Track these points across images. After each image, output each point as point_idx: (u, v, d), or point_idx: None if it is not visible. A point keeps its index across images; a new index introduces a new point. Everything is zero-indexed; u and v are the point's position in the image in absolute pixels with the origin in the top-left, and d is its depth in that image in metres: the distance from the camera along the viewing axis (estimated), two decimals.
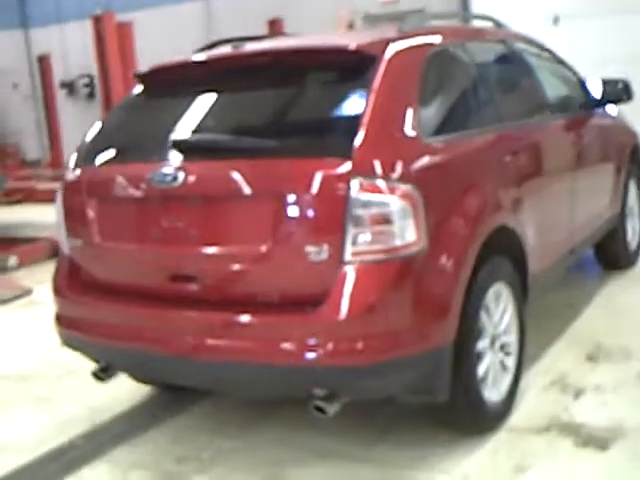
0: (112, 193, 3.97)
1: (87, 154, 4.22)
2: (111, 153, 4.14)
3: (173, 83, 4.27)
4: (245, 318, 3.54)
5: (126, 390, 4.89)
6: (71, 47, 17.50)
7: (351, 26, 14.42)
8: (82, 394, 4.96)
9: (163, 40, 14.92)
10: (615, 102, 6.14)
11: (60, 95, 17.69)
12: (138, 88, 4.41)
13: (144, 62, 6.19)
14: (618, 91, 6.04)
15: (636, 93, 6.33)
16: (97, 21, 12.94)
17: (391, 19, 13.91)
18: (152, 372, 4.18)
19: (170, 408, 4.68)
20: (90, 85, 18.09)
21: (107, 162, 4.11)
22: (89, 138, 4.31)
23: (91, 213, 4.02)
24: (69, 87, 18.48)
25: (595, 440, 3.91)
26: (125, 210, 3.97)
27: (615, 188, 6.28)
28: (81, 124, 11.14)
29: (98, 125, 4.38)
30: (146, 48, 13.39)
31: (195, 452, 4.15)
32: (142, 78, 4.39)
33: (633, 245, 6.81)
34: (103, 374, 4.13)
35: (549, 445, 3.91)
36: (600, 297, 6.09)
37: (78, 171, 4.18)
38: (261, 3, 14.94)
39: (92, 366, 4.18)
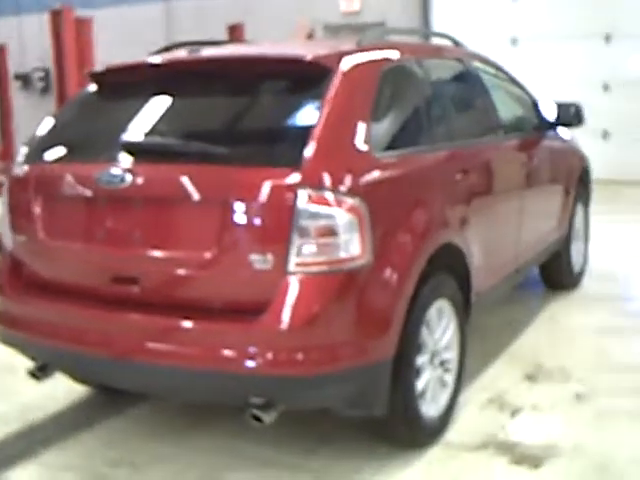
0: (59, 191, 3.93)
1: (37, 150, 4.18)
2: (61, 150, 4.10)
3: (127, 84, 4.24)
4: (186, 323, 3.52)
5: (62, 390, 4.83)
6: (28, 39, 17.34)
7: (311, 35, 14.44)
8: (16, 392, 4.90)
9: (122, 39, 14.84)
10: (567, 125, 6.21)
11: (14, 87, 17.49)
12: (92, 87, 4.38)
13: (101, 60, 6.15)
14: (570, 115, 6.13)
15: (591, 116, 6.45)
16: (56, 15, 12.80)
17: (352, 30, 13.99)
18: (90, 373, 4.15)
19: (105, 410, 4.64)
20: (45, 79, 17.93)
21: (56, 159, 4.07)
22: (39, 133, 4.26)
23: (37, 210, 3.98)
24: (24, 79, 18.30)
25: (529, 459, 3.95)
26: (71, 209, 3.93)
27: (563, 210, 6.36)
28: (34, 117, 11.01)
29: (49, 121, 4.33)
30: (104, 46, 13.31)
31: (129, 456, 4.11)
32: (96, 77, 4.35)
33: (577, 267, 6.90)
34: (40, 373, 4.08)
35: (484, 462, 3.94)
36: (542, 317, 6.16)
37: (26, 166, 4.13)
38: (222, 7, 14.93)
39: (29, 364, 4.13)
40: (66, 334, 3.80)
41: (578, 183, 6.68)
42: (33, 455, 4.17)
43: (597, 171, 7.53)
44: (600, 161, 9.11)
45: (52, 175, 4.00)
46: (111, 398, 4.76)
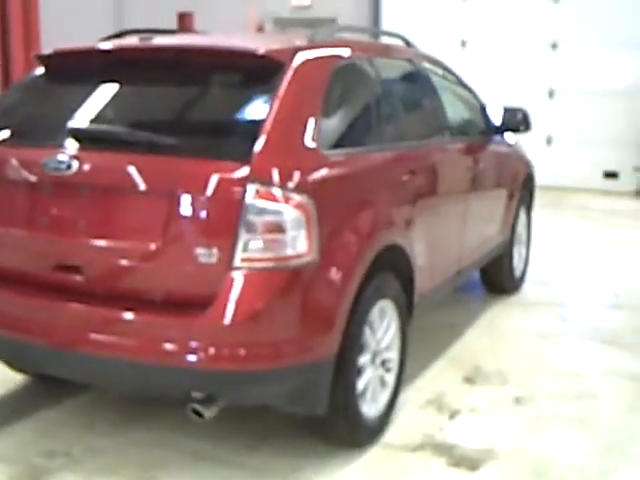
0: (3, 175, 3.86)
1: None
2: (5, 134, 4.02)
3: (76, 69, 4.17)
4: (128, 315, 3.49)
5: None
6: None
7: (261, 29, 14.38)
8: None
9: (70, 23, 14.62)
10: (513, 130, 6.26)
11: None
12: (39, 70, 4.30)
13: (48, 43, 6.04)
14: (517, 120, 6.18)
15: (536, 122, 6.51)
16: None
17: (302, 25, 13.96)
18: (31, 362, 4.05)
19: (42, 401, 4.56)
20: None
21: (1, 142, 3.99)
22: None
23: None
24: None
25: (466, 461, 3.98)
26: (16, 194, 3.85)
27: (506, 215, 6.42)
28: None
29: None
30: (52, 30, 13.09)
31: (64, 447, 4.05)
32: (44, 60, 4.28)
33: (518, 271, 6.97)
34: None
35: (421, 463, 3.96)
36: (482, 320, 6.21)
37: None
38: None
39: None
40: (6, 321, 3.74)
41: (522, 188, 6.75)
42: None
43: (540, 177, 7.62)
44: (544, 167, 9.24)
45: None
46: (48, 388, 4.69)
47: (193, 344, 3.35)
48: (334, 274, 3.62)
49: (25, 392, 4.74)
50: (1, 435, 4.20)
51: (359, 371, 3.92)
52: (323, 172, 3.69)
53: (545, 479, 3.83)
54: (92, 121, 3.84)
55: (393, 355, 4.28)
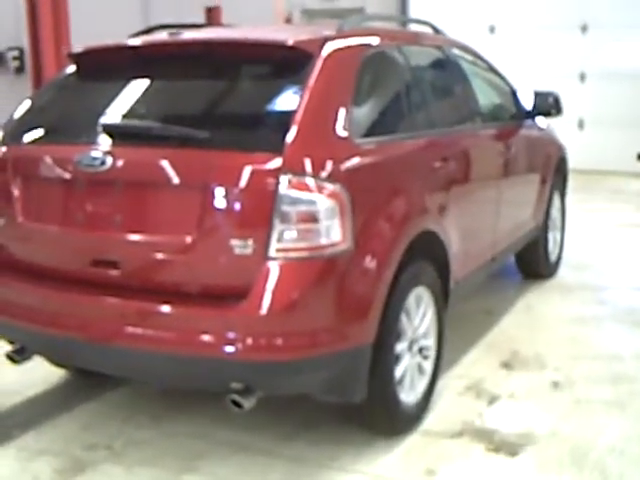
0: (38, 173, 3.91)
1: (15, 132, 4.13)
2: (40, 132, 4.06)
3: (107, 66, 4.20)
4: (166, 308, 3.51)
5: (40, 374, 4.81)
6: (1, 18, 17.11)
7: (289, 20, 14.39)
8: None
9: (98, 20, 14.69)
10: (545, 115, 6.23)
11: None
12: (71, 68, 4.33)
13: (77, 40, 6.08)
14: (548, 104, 6.14)
15: (567, 105, 6.47)
16: None
17: (329, 15, 13.95)
18: (69, 357, 4.11)
19: (84, 394, 4.62)
20: (20, 58, 17.70)
21: (35, 141, 4.03)
22: (17, 115, 4.22)
23: (16, 192, 3.94)
24: None
25: (506, 446, 3.97)
26: (51, 191, 3.90)
27: (539, 199, 6.38)
28: (8, 97, 10.91)
29: (28, 102, 4.29)
30: (80, 26, 13.16)
31: (106, 440, 4.09)
32: (75, 58, 4.31)
33: (554, 256, 6.94)
34: (18, 356, 4.05)
35: (461, 450, 3.96)
36: (519, 306, 6.19)
37: (4, 148, 4.09)
38: None
39: (6, 348, 4.10)
40: (45, 317, 3.77)
41: (555, 172, 6.72)
42: (10, 439, 4.15)
43: (573, 160, 7.57)
44: (576, 150, 9.17)
45: (31, 157, 3.96)
46: (89, 382, 4.74)
47: (230, 335, 3.37)
48: (369, 262, 3.63)
49: (67, 387, 4.80)
50: (45, 429, 4.25)
51: (396, 359, 3.92)
52: (355, 161, 3.69)
53: (584, 463, 3.82)
54: (124, 117, 3.87)
55: (430, 342, 4.28)
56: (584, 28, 13.26)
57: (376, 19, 5.46)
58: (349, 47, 4.09)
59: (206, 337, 3.41)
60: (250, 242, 3.39)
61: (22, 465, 3.90)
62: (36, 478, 3.78)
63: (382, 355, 3.75)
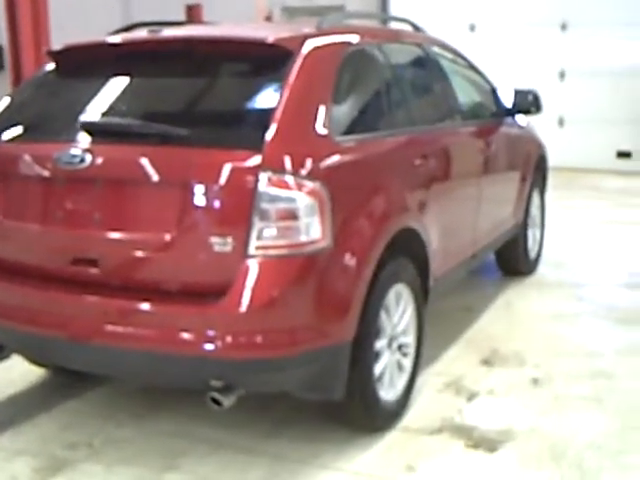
0: (17, 171, 3.89)
1: None
2: (18, 130, 4.04)
3: (87, 63, 4.19)
4: (145, 305, 3.51)
5: (18, 372, 4.79)
6: None
7: (269, 18, 14.38)
8: None
9: (78, 17, 14.62)
10: (525, 112, 6.25)
11: None
12: (50, 65, 4.32)
13: (57, 38, 6.06)
14: (528, 102, 6.17)
15: (547, 103, 6.50)
16: None
17: (310, 13, 13.95)
18: (48, 355, 4.09)
19: (63, 393, 4.60)
20: None
21: (14, 139, 4.01)
22: None
23: None
24: None
25: (485, 442, 3.99)
26: (30, 189, 3.88)
27: (519, 197, 6.41)
28: None
29: (6, 100, 4.27)
30: (60, 24, 13.09)
31: (86, 439, 4.08)
32: (55, 55, 4.29)
33: (533, 253, 6.98)
34: None
35: (441, 446, 3.97)
36: (499, 303, 6.22)
37: None
38: None
39: None
40: (24, 316, 3.77)
41: (535, 170, 6.75)
42: None
43: (553, 158, 7.61)
44: (556, 148, 9.22)
45: (10, 155, 3.94)
46: (69, 380, 4.72)
47: (210, 333, 3.37)
48: (349, 259, 3.64)
49: (46, 385, 4.78)
50: (24, 428, 4.23)
51: (376, 356, 3.93)
52: (335, 158, 3.69)
53: (563, 459, 3.84)
54: (104, 114, 3.86)
55: (410, 339, 4.29)
56: (564, 26, 13.33)
57: (356, 17, 5.47)
58: (329, 45, 4.09)
59: (186, 335, 3.41)
60: (230, 239, 3.39)
61: (0, 465, 3.88)
62: (14, 478, 3.76)
63: (362, 352, 3.76)
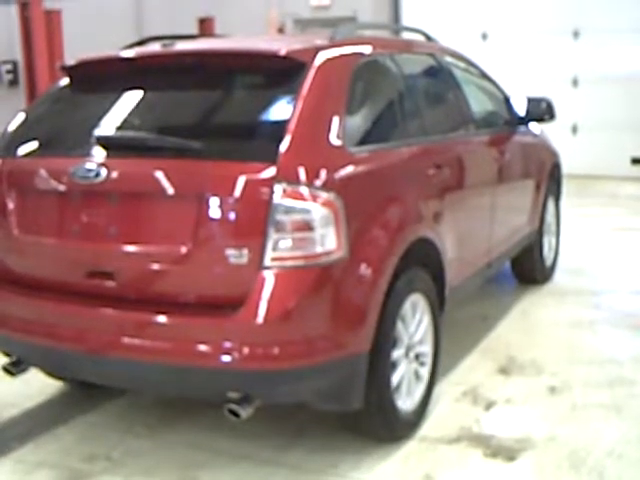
0: (33, 186, 3.91)
1: (9, 144, 4.14)
2: (34, 145, 4.07)
3: (100, 78, 4.22)
4: (162, 318, 3.52)
5: (36, 386, 4.81)
6: None
7: (282, 30, 14.42)
8: None
9: (91, 32, 14.71)
10: (538, 120, 6.25)
11: None
12: (64, 80, 4.35)
13: (71, 53, 6.10)
14: (542, 110, 6.16)
15: (561, 111, 6.49)
16: (24, 7, 12.65)
17: (322, 25, 13.98)
18: (65, 368, 4.11)
19: (81, 405, 4.61)
20: (14, 72, 17.71)
21: (29, 154, 4.04)
22: (12, 128, 4.23)
23: (10, 204, 3.96)
24: None
25: (504, 451, 3.98)
26: (46, 204, 3.91)
27: (534, 205, 6.40)
28: (2, 111, 10.90)
29: (21, 115, 4.30)
30: (73, 39, 13.18)
31: (105, 451, 4.09)
32: (69, 70, 4.32)
33: (549, 261, 6.96)
34: (14, 368, 4.06)
35: (459, 455, 3.96)
36: (515, 311, 6.20)
37: None
38: (192, 1, 14.84)
39: (3, 360, 4.11)
40: (41, 329, 3.79)
41: (549, 178, 6.73)
42: (8, 451, 4.14)
43: (567, 165, 7.60)
44: (570, 155, 9.20)
45: (26, 170, 3.97)
46: (87, 393, 4.74)
47: (227, 345, 3.38)
48: (364, 270, 3.64)
49: (64, 398, 4.79)
50: (43, 441, 4.25)
51: (393, 365, 3.93)
52: (349, 169, 3.70)
53: (583, 467, 3.82)
54: (118, 128, 3.88)
55: (426, 349, 4.29)
56: (576, 34, 13.31)
57: (368, 28, 5.48)
58: (342, 56, 4.11)
59: (203, 347, 3.42)
60: (245, 251, 3.40)
61: (20, 478, 3.90)
62: None
63: (379, 362, 3.76)
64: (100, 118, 3.94)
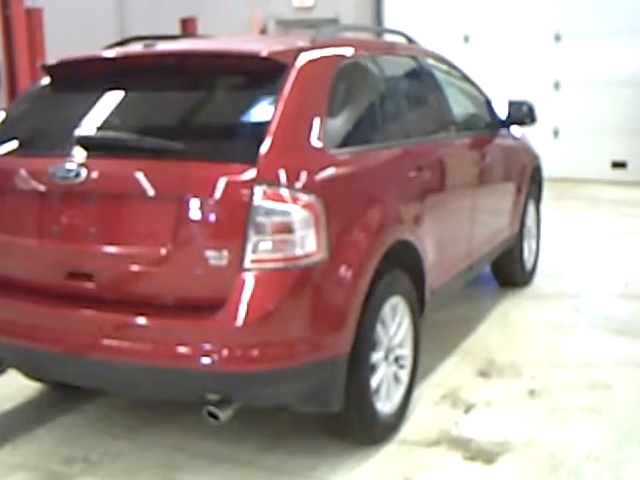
0: (13, 185, 3.89)
1: None
2: (14, 144, 4.05)
3: (81, 77, 4.20)
4: (141, 319, 3.51)
5: (15, 387, 4.78)
6: None
7: (264, 30, 14.41)
8: None
9: (73, 32, 14.64)
10: (519, 124, 6.26)
11: None
12: (45, 80, 4.32)
13: (52, 53, 6.06)
14: (523, 113, 6.18)
15: (542, 114, 6.51)
16: (4, 5, 12.57)
17: (304, 26, 13.99)
18: (44, 370, 4.08)
19: (59, 407, 4.59)
20: None
21: (9, 153, 4.01)
22: None
23: None
24: None
25: (483, 454, 3.99)
26: (25, 204, 3.88)
27: (515, 208, 6.42)
28: None
29: (1, 114, 4.28)
30: (55, 39, 13.11)
31: (83, 453, 4.07)
32: (50, 70, 4.30)
33: (529, 264, 6.98)
34: None
35: (438, 458, 3.96)
36: (495, 314, 6.21)
37: None
38: (175, 1, 14.80)
39: None
40: (20, 331, 3.77)
41: (530, 181, 6.76)
42: None
43: (548, 169, 7.62)
44: (551, 159, 9.24)
45: (5, 169, 3.94)
46: (65, 395, 4.71)
47: (206, 347, 3.37)
48: (344, 272, 3.64)
49: (42, 399, 4.77)
50: (20, 443, 4.22)
51: (373, 368, 3.93)
52: (330, 171, 3.70)
53: (561, 470, 3.83)
54: (99, 129, 3.86)
55: (406, 351, 4.29)
56: (558, 37, 13.35)
57: (351, 29, 5.48)
58: (323, 58, 4.10)
59: (182, 349, 3.41)
60: (225, 253, 3.39)
61: None
62: None
63: (358, 365, 3.76)
64: (81, 118, 3.92)
